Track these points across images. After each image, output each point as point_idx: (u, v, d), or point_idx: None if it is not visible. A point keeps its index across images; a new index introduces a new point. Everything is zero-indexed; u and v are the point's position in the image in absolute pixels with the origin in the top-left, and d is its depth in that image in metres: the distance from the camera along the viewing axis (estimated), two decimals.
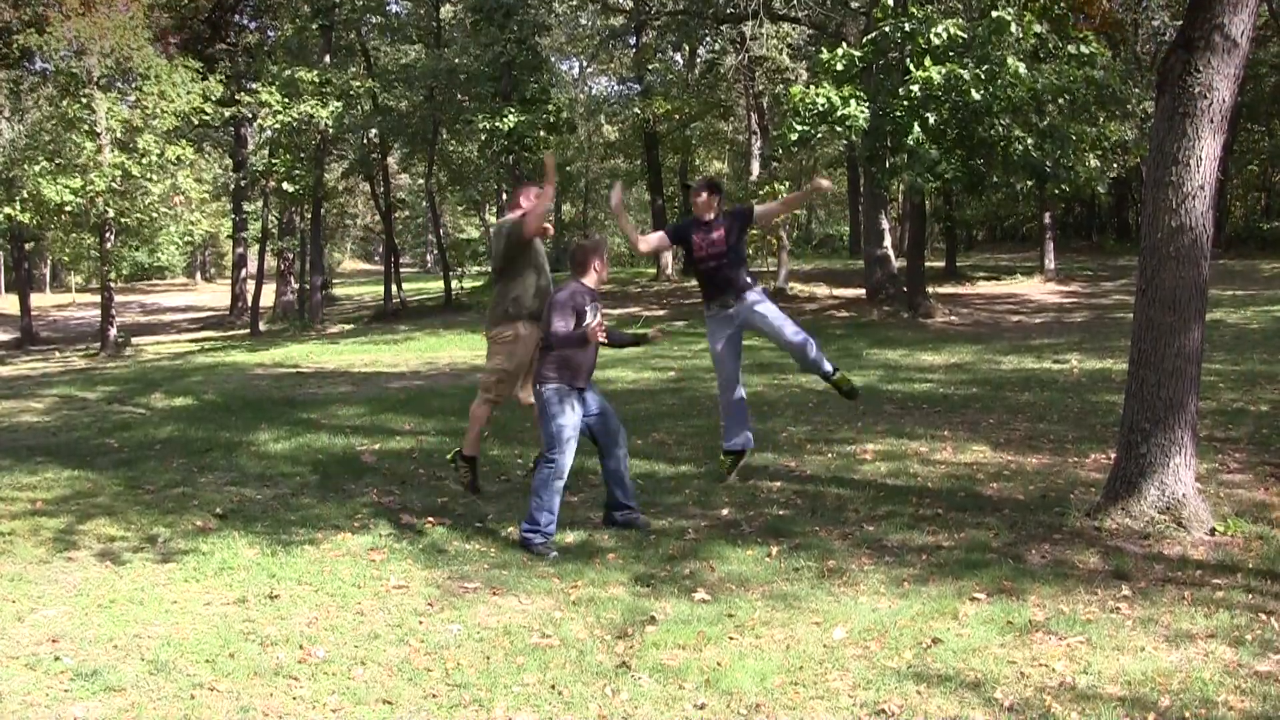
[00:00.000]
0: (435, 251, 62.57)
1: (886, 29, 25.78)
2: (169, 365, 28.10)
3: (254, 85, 39.71)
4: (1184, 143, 8.11)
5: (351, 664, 6.37)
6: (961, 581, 7.39)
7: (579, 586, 7.62)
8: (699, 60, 47.59)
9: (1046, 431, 12.59)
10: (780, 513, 9.37)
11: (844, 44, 27.60)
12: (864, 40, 27.05)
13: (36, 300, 52.41)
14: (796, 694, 5.78)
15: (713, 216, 10.12)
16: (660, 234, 11.02)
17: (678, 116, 42.02)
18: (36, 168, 33.86)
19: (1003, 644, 6.33)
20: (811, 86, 26.85)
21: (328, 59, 39.55)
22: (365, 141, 44.09)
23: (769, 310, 10.11)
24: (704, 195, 10.21)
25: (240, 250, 52.68)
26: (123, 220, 35.37)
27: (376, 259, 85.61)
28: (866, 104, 25.56)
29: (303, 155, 40.02)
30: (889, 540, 8.46)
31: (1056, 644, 6.30)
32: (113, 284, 37.74)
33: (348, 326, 39.86)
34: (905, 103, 24.92)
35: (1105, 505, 8.56)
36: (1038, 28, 25.34)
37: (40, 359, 35.42)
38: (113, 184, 33.87)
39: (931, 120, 25.01)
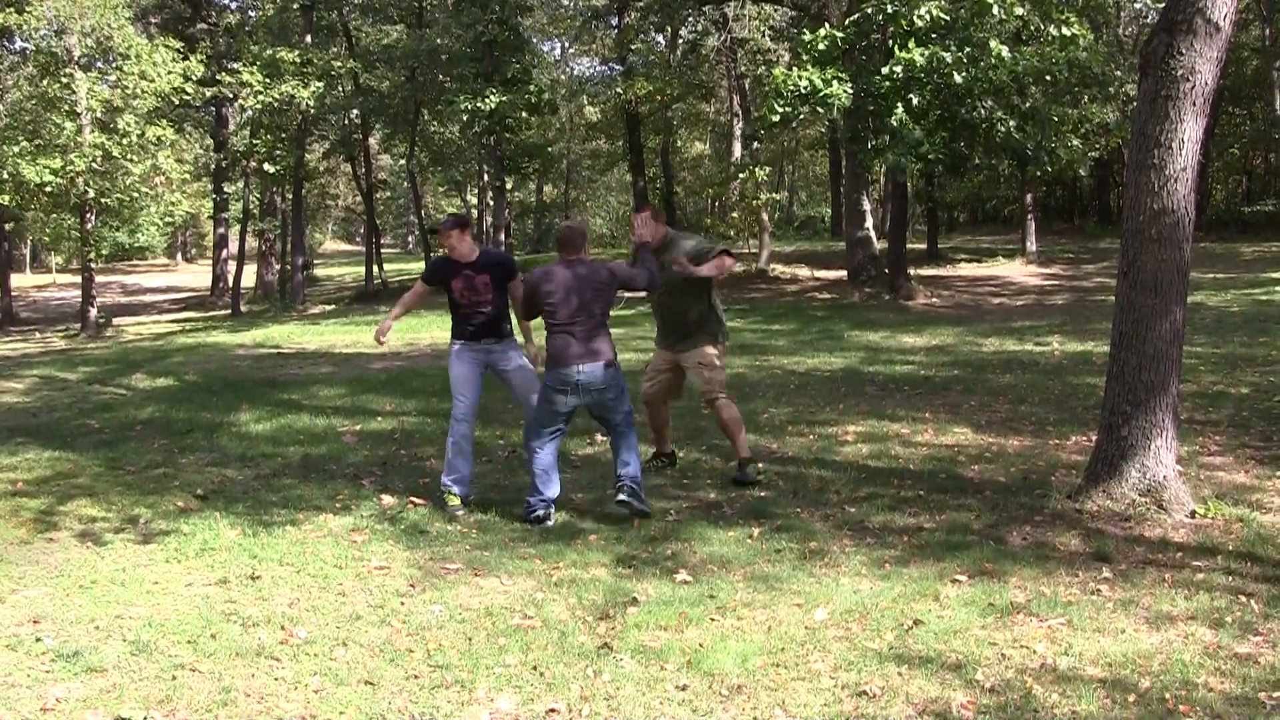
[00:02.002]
0: (416, 232, 62.46)
1: (869, 10, 25.76)
2: (150, 346, 28.05)
3: (235, 65, 39.53)
4: (1166, 125, 8.12)
5: (333, 645, 6.36)
6: (943, 563, 7.41)
7: (560, 568, 7.63)
8: (681, 41, 47.52)
9: (1028, 414, 12.63)
10: (762, 494, 9.38)
11: (826, 25, 27.55)
12: (846, 22, 27.02)
13: (16, 281, 52.22)
14: (778, 675, 5.79)
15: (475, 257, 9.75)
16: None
17: (660, 98, 41.91)
18: (16, 148, 33.64)
19: (984, 625, 6.34)
20: (794, 68, 26.83)
21: (309, 39, 39.43)
22: (347, 122, 44.05)
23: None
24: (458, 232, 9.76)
25: (221, 231, 52.56)
26: (103, 201, 35.20)
27: (358, 240, 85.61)
28: (849, 85, 25.55)
29: (284, 136, 39.94)
30: (870, 522, 8.47)
31: (1037, 626, 6.31)
32: (93, 265, 37.57)
33: (329, 307, 39.81)
34: (888, 84, 24.92)
35: (1086, 487, 8.58)
36: (1019, 9, 25.34)
37: (20, 340, 35.31)
38: (93, 164, 33.70)
39: (914, 101, 25.02)
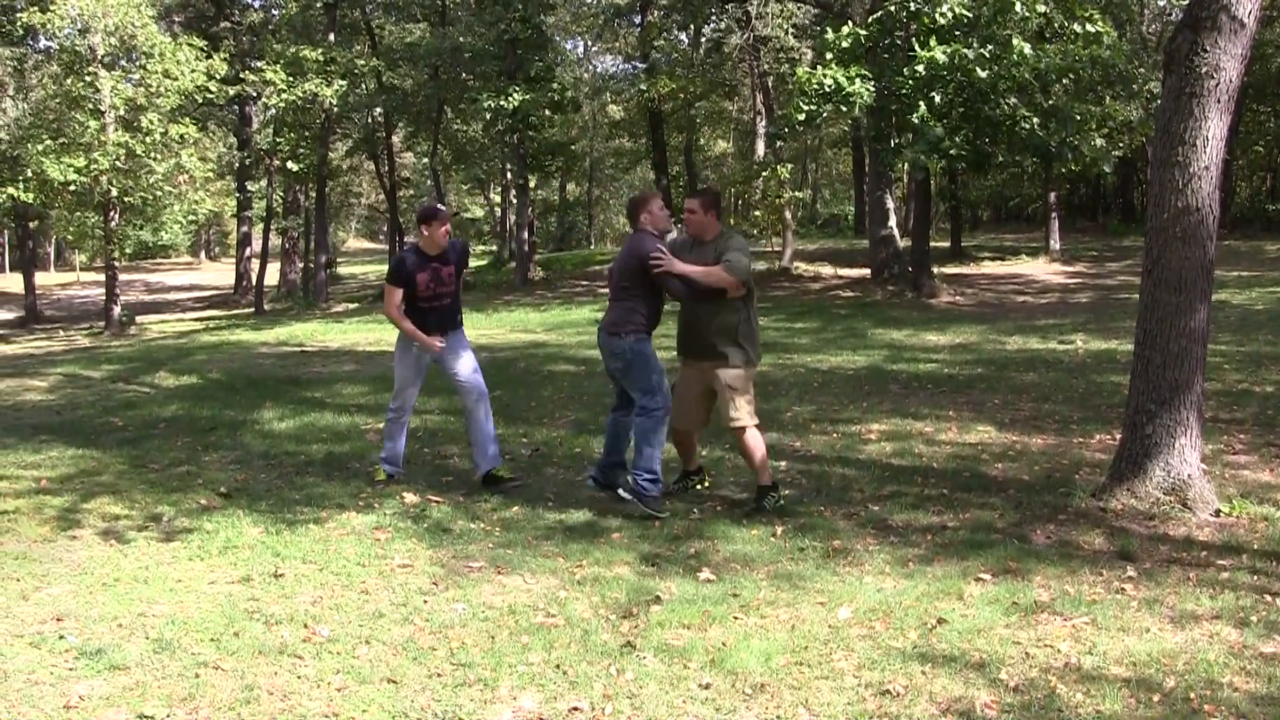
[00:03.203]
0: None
1: (892, 8, 25.74)
2: (173, 344, 28.11)
3: (258, 64, 39.69)
4: (1190, 123, 8.08)
5: (356, 643, 6.36)
6: (966, 562, 7.39)
7: (584, 566, 7.62)
8: (704, 39, 47.55)
9: (1052, 412, 12.59)
10: (785, 492, 9.35)
11: (849, 23, 27.52)
12: (869, 19, 26.99)
13: (41, 279, 52.49)
14: (801, 674, 5.77)
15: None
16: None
17: (682, 95, 41.94)
18: (40, 146, 33.80)
19: (1008, 624, 6.32)
20: (818, 66, 26.83)
21: (332, 37, 39.55)
22: (370, 120, 44.16)
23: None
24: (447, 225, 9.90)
25: (245, 229, 52.77)
26: (127, 199, 35.31)
27: (381, 238, 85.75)
28: (872, 82, 25.53)
29: (307, 134, 40.07)
30: (894, 520, 8.46)
31: (1061, 625, 6.29)
32: (117, 263, 37.67)
33: (352, 305, 39.88)
34: (910, 82, 24.89)
35: (1110, 486, 8.55)
36: (1042, 7, 25.28)
37: (44, 338, 35.46)
38: (117, 162, 33.82)
39: (937, 99, 24.98)
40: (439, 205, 10.46)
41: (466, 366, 9.97)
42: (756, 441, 8.95)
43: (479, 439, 9.98)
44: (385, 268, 38.91)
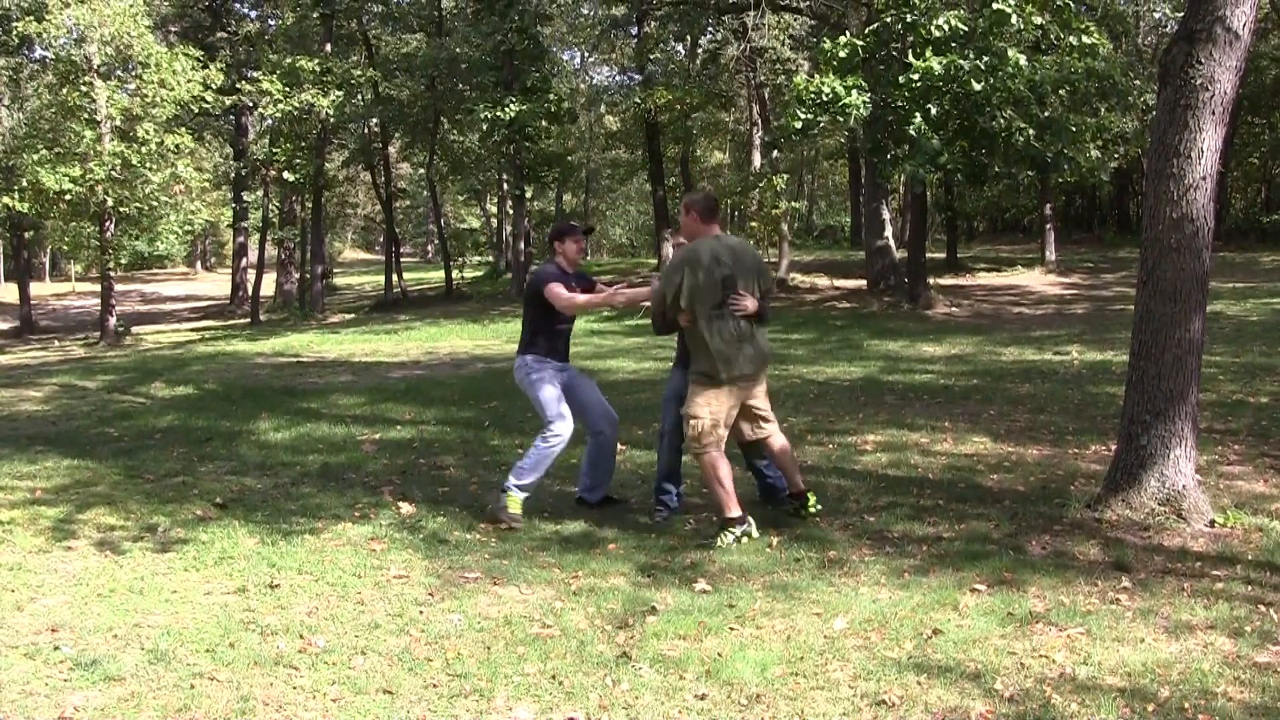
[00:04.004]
0: (436, 241, 62.68)
1: (888, 20, 25.80)
2: (169, 354, 28.11)
3: (254, 74, 39.75)
4: (1185, 135, 8.10)
5: (352, 653, 6.36)
6: (962, 572, 7.39)
7: (580, 576, 7.62)
8: (700, 50, 47.61)
9: (1047, 423, 12.60)
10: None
11: (846, 33, 27.59)
12: (866, 31, 27.05)
13: (36, 289, 52.47)
14: (797, 684, 5.78)
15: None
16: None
17: (679, 107, 41.90)
18: (36, 156, 33.85)
19: (1003, 635, 6.33)
20: (815, 76, 26.90)
21: (328, 47, 39.57)
22: (366, 130, 44.20)
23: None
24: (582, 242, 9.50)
25: (241, 239, 52.81)
26: (122, 209, 35.38)
27: (377, 248, 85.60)
28: (868, 94, 25.59)
29: (303, 144, 40.09)
30: (890, 531, 8.46)
31: (1057, 635, 6.30)
32: (112, 273, 37.74)
33: (348, 316, 39.90)
34: (907, 93, 24.94)
35: (1105, 497, 8.55)
36: (1038, 19, 25.35)
37: (40, 348, 35.45)
38: (112, 172, 33.88)
39: (933, 111, 25.04)
40: (572, 223, 10.04)
41: (598, 393, 9.81)
42: (713, 466, 8.51)
43: (608, 466, 9.61)
44: (381, 278, 38.50)
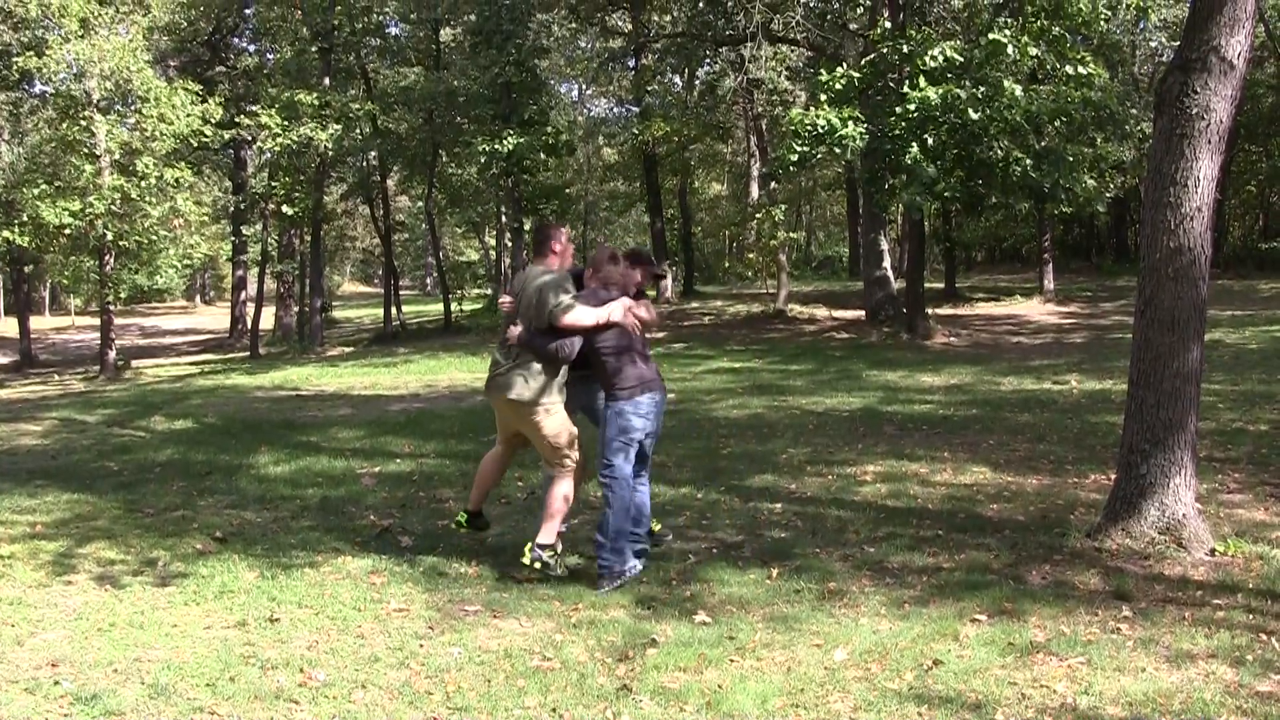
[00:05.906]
0: (435, 274, 62.63)
1: (884, 50, 25.87)
2: (168, 388, 28.09)
3: (253, 108, 39.75)
4: (1182, 163, 8.13)
5: (352, 687, 6.36)
6: (962, 603, 7.39)
7: (580, 609, 7.62)
8: (698, 82, 47.74)
9: (1046, 452, 12.60)
10: (781, 535, 9.36)
11: (842, 65, 27.66)
12: (862, 62, 27.13)
13: (35, 323, 52.44)
14: (797, 716, 5.77)
15: None
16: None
17: (677, 138, 42.02)
18: (36, 190, 33.87)
19: (1004, 665, 6.32)
20: (811, 108, 26.95)
21: (327, 81, 39.59)
22: (364, 164, 44.22)
23: None
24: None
25: (240, 273, 52.80)
26: (122, 243, 35.37)
27: (376, 281, 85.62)
28: (864, 125, 25.64)
29: (302, 178, 40.10)
30: (890, 562, 8.46)
31: (1057, 665, 6.30)
32: (112, 307, 37.72)
33: (347, 349, 39.85)
34: (903, 123, 25.00)
35: (1105, 526, 8.56)
36: (1034, 49, 25.42)
37: (39, 382, 35.40)
38: (112, 206, 33.90)
39: (930, 141, 25.10)
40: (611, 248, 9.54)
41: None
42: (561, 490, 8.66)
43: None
44: (380, 311, 38.37)
